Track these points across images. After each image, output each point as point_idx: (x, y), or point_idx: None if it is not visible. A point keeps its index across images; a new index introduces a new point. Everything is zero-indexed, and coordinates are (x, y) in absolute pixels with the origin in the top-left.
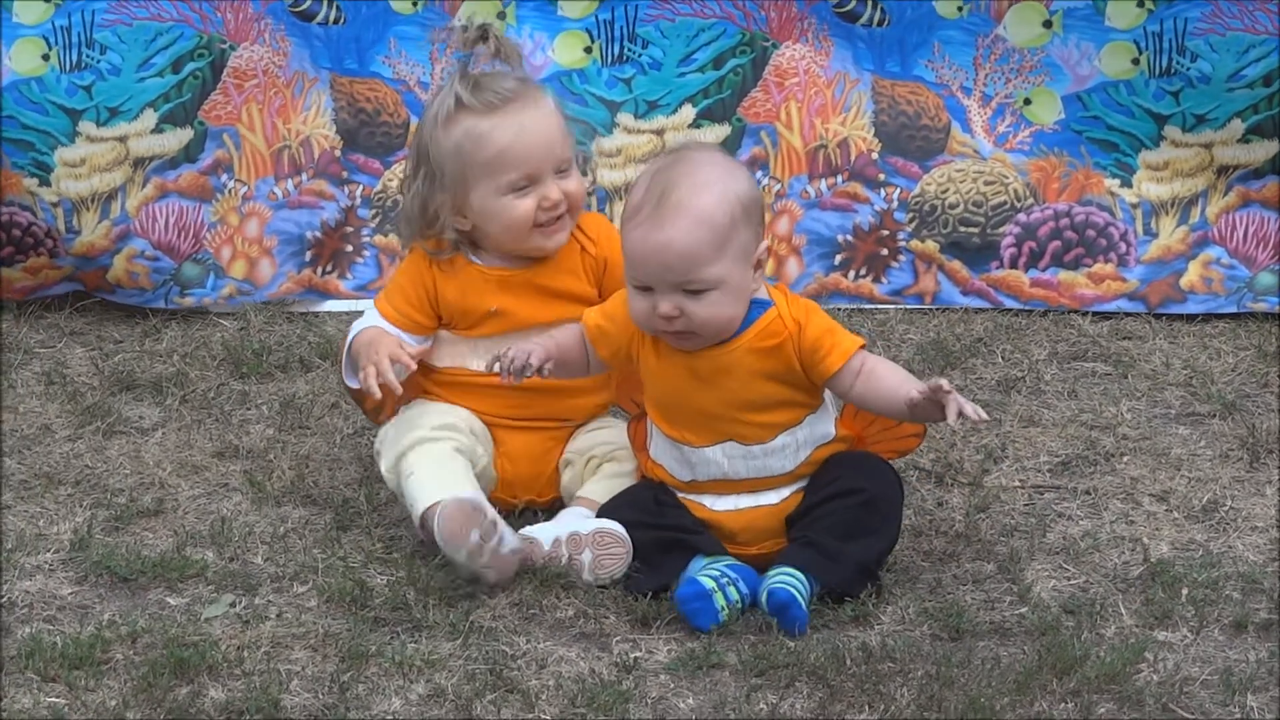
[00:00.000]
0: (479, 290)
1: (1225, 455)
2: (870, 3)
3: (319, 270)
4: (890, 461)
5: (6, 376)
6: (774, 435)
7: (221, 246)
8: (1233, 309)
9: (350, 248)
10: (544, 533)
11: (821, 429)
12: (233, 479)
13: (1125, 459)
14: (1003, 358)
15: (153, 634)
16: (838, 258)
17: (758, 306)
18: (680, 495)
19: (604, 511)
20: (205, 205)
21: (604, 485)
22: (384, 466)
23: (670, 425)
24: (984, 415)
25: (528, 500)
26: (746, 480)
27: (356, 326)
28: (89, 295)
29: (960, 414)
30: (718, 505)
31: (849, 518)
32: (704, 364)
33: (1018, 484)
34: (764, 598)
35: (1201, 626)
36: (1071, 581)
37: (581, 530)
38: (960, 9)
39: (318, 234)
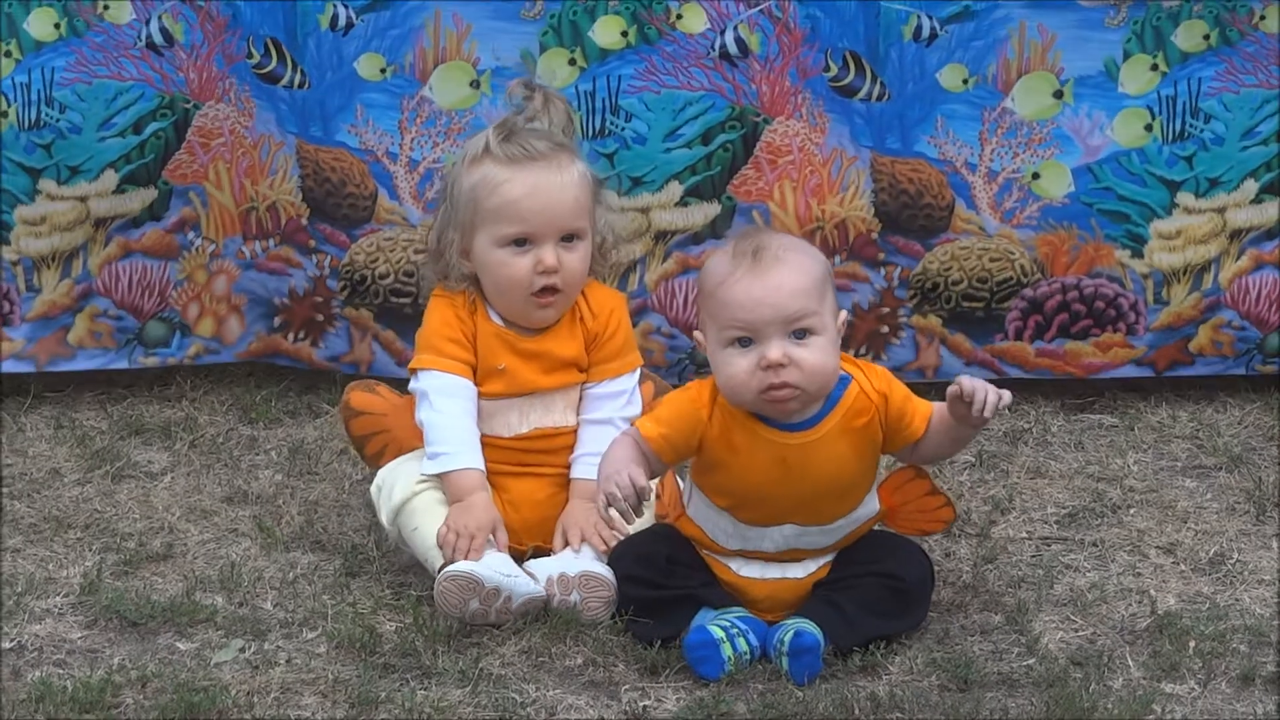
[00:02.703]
0: (492, 346)
1: (1232, 508)
2: (870, 77)
3: (290, 337)
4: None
5: (16, 420)
6: (837, 519)
7: (188, 304)
8: (1241, 371)
9: (321, 317)
10: (541, 571)
11: (869, 506)
12: (242, 524)
13: (1132, 511)
14: (1009, 409)
15: (163, 679)
16: None
17: (838, 384)
18: (704, 553)
19: (613, 560)
20: (171, 263)
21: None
22: (384, 519)
23: (735, 508)
24: (1006, 398)
25: (534, 546)
26: (788, 551)
27: (440, 436)
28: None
29: (986, 403)
30: (745, 571)
31: (880, 597)
32: (794, 453)
33: (1025, 535)
34: (787, 636)
35: (1209, 679)
36: (1079, 633)
37: (569, 573)
38: (965, 81)
39: (286, 300)
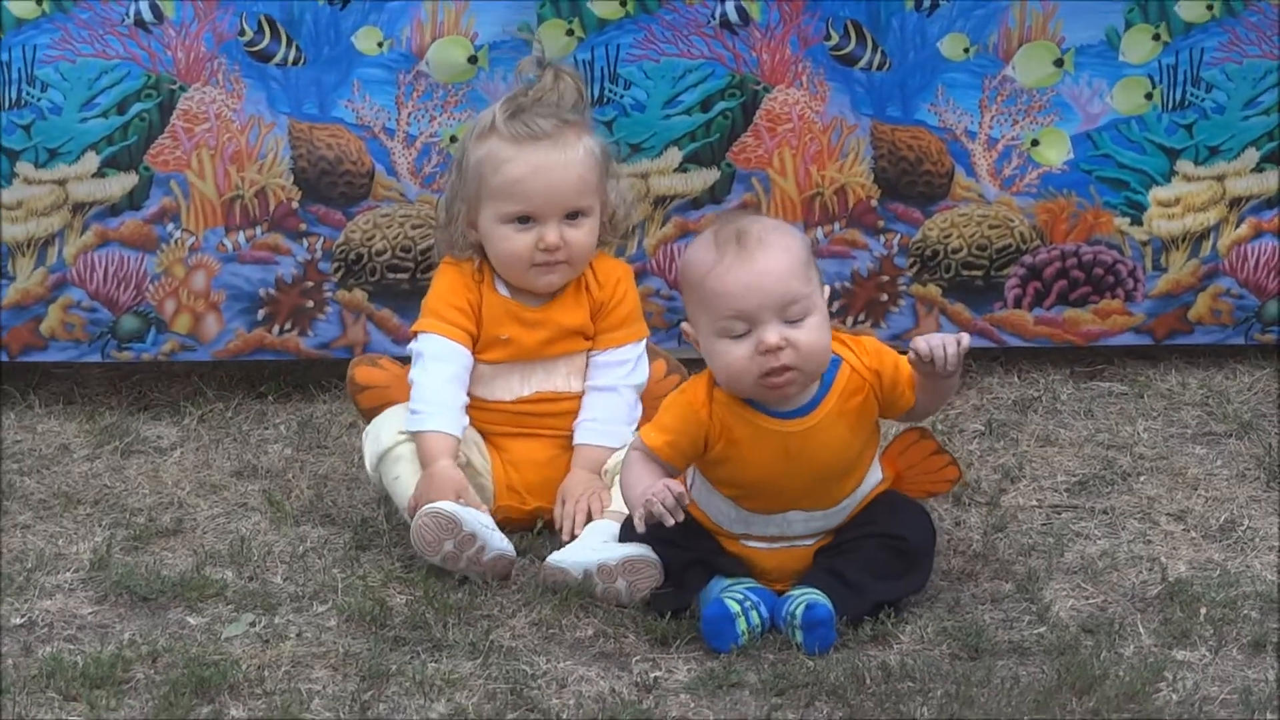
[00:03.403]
0: (497, 316)
1: (1242, 475)
2: (870, 45)
3: (275, 329)
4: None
5: (24, 397)
6: (841, 500)
7: (165, 299)
8: (1240, 341)
9: (311, 303)
10: (571, 563)
11: (873, 478)
12: (251, 498)
13: (1142, 478)
14: (1019, 377)
15: (173, 653)
16: (835, 304)
17: (830, 366)
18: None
19: (626, 528)
20: (149, 255)
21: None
22: (368, 465)
23: (741, 497)
24: (965, 342)
25: (537, 506)
26: (794, 536)
27: (421, 395)
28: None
29: (948, 358)
30: (752, 543)
31: (882, 559)
32: (795, 440)
33: (1035, 503)
34: (799, 609)
35: (1220, 646)
36: (1090, 601)
37: (610, 561)
38: (967, 50)
39: (272, 291)
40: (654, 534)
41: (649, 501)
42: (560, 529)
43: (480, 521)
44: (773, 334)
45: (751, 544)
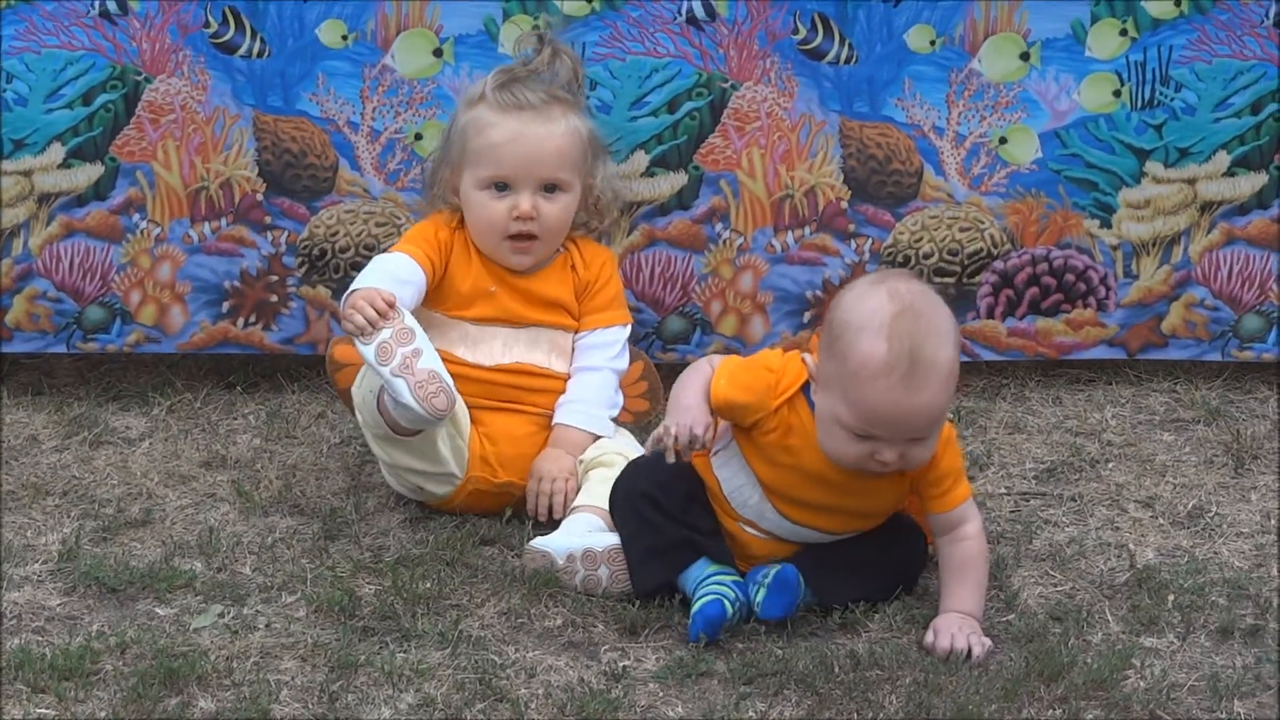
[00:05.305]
0: (481, 274)
1: (1210, 461)
2: (838, 38)
3: (239, 322)
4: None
5: None
6: (856, 530)
7: (130, 290)
8: (1216, 357)
9: (275, 298)
10: (556, 546)
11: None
12: (220, 489)
13: (1110, 465)
14: (987, 365)
15: (142, 644)
16: (806, 315)
17: None
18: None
19: (634, 475)
20: (115, 246)
21: (599, 490)
22: (358, 398)
23: (772, 488)
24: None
25: (508, 480)
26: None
27: (362, 278)
28: None
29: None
30: (751, 530)
31: (868, 562)
32: (839, 476)
33: (1003, 491)
34: (773, 571)
35: (1188, 632)
36: (1058, 588)
37: (596, 547)
38: (933, 42)
39: (237, 284)
40: (661, 508)
41: (667, 432)
42: (528, 506)
43: (419, 326)
44: (892, 453)
45: (750, 530)
